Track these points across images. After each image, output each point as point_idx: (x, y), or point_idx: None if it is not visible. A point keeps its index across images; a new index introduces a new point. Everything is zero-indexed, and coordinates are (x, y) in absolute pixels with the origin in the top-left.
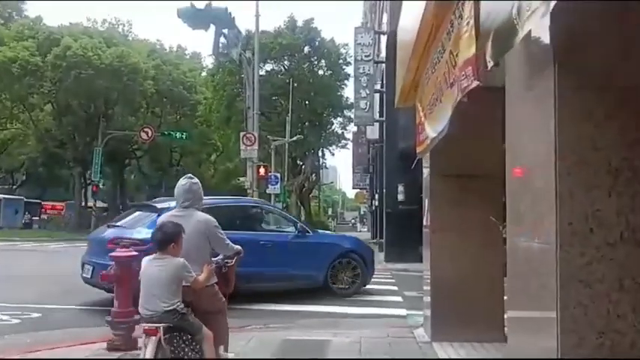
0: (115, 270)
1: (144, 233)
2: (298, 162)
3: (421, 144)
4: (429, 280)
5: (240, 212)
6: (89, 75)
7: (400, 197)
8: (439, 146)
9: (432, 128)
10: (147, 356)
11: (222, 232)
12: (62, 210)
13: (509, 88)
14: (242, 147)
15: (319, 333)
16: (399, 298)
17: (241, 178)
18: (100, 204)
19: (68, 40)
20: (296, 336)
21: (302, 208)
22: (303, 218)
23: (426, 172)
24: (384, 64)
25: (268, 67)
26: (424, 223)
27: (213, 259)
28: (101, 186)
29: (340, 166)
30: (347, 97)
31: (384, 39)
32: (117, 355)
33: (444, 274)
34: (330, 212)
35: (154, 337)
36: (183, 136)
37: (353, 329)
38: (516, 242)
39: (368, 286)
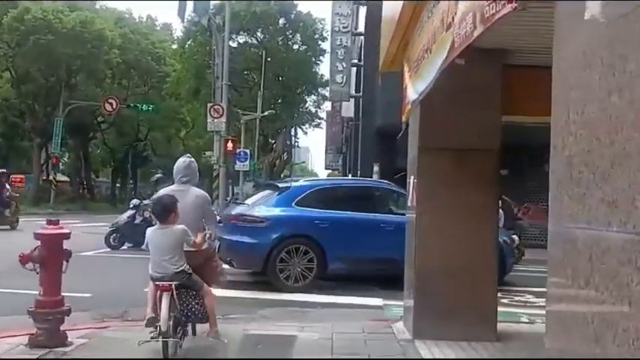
0: (41, 250)
1: (264, 211)
2: (270, 140)
3: (405, 109)
4: (412, 269)
5: (363, 193)
6: (49, 40)
7: (375, 177)
8: (430, 116)
9: (415, 89)
10: (162, 309)
11: (212, 207)
12: (22, 183)
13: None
14: (209, 119)
15: (284, 327)
16: (373, 286)
17: (207, 153)
18: (63, 178)
19: (26, 2)
20: (257, 330)
21: None
22: None
23: (413, 145)
24: (362, 37)
25: (241, 39)
26: (408, 204)
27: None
28: (65, 159)
29: (313, 146)
30: (322, 75)
31: (363, 10)
32: (39, 353)
33: (431, 262)
34: None
35: (167, 293)
36: (150, 109)
37: (323, 322)
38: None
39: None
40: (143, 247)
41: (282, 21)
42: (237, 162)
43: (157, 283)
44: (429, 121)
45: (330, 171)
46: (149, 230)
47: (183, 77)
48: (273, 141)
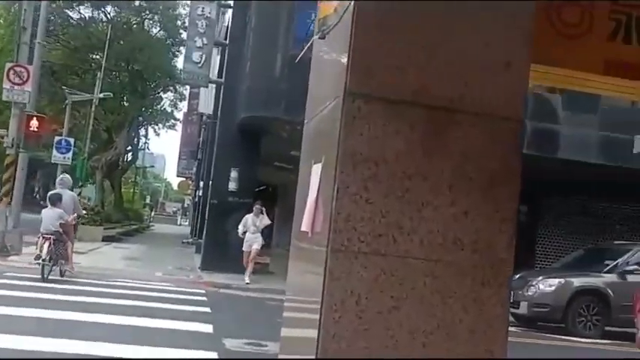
0: None
1: None
2: (115, 137)
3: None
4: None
5: None
6: None
7: (232, 185)
8: (383, 31)
9: None
10: (44, 249)
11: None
12: None
13: None
14: (6, 85)
15: None
16: (213, 355)
17: (1, 131)
18: None
19: None
20: None
21: (112, 191)
22: (111, 203)
23: (328, 89)
24: (230, 10)
25: (86, 12)
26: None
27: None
28: None
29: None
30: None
31: None
32: None
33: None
34: (148, 201)
35: (48, 241)
36: None
37: None
38: None
39: (157, 324)
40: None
41: (138, 2)
42: (55, 152)
43: (44, 235)
44: (381, 38)
45: (182, 179)
46: (44, 210)
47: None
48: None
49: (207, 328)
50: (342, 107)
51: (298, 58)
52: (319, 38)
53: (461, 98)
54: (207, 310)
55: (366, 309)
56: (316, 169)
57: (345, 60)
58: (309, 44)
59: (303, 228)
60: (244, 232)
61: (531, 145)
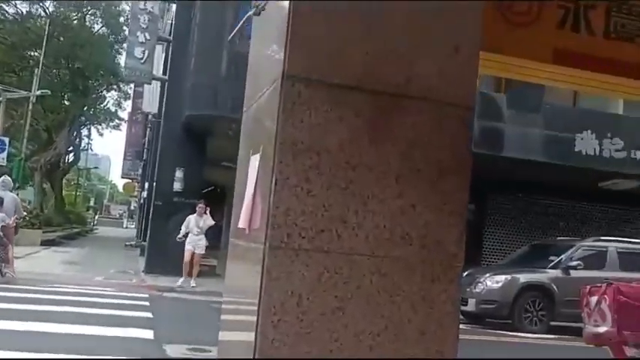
0: None
1: None
2: (55, 137)
3: None
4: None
5: None
6: None
7: (177, 186)
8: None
9: None
10: None
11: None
12: None
13: None
14: None
15: None
16: None
17: None
18: None
19: None
20: None
21: (53, 193)
22: (52, 206)
23: (266, 74)
24: (175, 4)
25: (23, 7)
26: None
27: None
28: None
29: (114, 155)
30: (123, 66)
31: None
32: None
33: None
34: (92, 203)
35: None
36: None
37: None
38: None
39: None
40: None
41: None
42: None
43: None
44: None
45: (128, 180)
46: None
47: None
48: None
49: (148, 334)
50: (280, 92)
51: (231, 36)
52: (254, 15)
53: (408, 83)
54: (149, 315)
55: (308, 311)
56: (254, 161)
57: (283, 40)
58: (242, 21)
59: (241, 224)
60: (186, 234)
61: (477, 143)
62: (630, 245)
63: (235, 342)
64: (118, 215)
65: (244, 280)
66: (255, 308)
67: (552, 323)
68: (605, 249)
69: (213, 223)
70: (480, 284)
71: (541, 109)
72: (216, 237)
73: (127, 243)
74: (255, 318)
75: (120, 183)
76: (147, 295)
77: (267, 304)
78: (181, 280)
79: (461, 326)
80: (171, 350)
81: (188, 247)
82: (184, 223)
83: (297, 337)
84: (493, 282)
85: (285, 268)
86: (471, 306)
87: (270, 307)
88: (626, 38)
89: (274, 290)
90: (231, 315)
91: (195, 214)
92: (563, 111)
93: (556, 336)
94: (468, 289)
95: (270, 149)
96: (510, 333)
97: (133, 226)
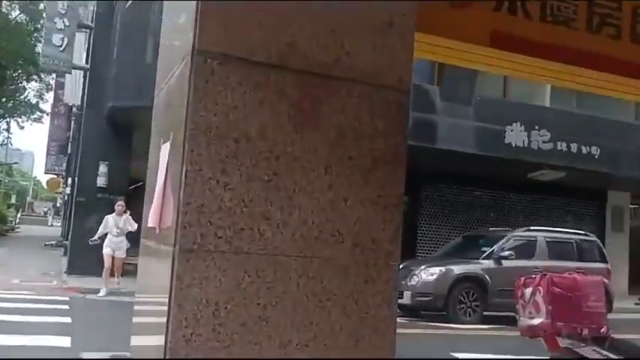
0: None
1: None
2: None
3: None
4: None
5: None
6: None
7: (100, 181)
8: None
9: None
10: None
11: None
12: None
13: None
14: None
15: None
16: None
17: None
18: None
19: None
20: None
21: None
22: None
23: (177, 51)
24: None
25: None
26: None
27: None
28: None
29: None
30: (40, 53)
31: None
32: None
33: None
34: (14, 201)
35: None
36: None
37: None
38: None
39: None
40: None
41: None
42: None
43: None
44: None
45: (52, 176)
46: None
47: None
48: None
49: (65, 342)
50: (190, 70)
51: (128, 4)
52: None
53: (336, 61)
54: (68, 320)
55: (227, 321)
56: (164, 150)
57: (193, 8)
58: None
59: (150, 223)
60: (104, 236)
61: (411, 135)
62: (558, 235)
63: (145, 355)
64: (42, 213)
65: (153, 288)
66: (164, 321)
67: (485, 313)
68: (534, 239)
69: (136, 226)
70: (415, 277)
71: (472, 102)
72: None
73: (47, 242)
74: (163, 333)
75: (44, 179)
76: (67, 299)
77: (177, 317)
78: (103, 291)
79: (397, 319)
80: (88, 357)
81: (106, 250)
82: (102, 224)
83: (213, 352)
84: (428, 274)
85: (198, 274)
86: (406, 299)
87: (181, 320)
88: (561, 22)
89: (186, 300)
90: (142, 327)
91: (114, 214)
92: (493, 103)
93: (489, 326)
94: (403, 282)
95: (181, 136)
96: (445, 325)
97: (59, 224)
